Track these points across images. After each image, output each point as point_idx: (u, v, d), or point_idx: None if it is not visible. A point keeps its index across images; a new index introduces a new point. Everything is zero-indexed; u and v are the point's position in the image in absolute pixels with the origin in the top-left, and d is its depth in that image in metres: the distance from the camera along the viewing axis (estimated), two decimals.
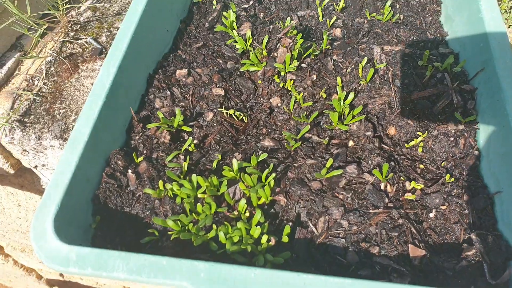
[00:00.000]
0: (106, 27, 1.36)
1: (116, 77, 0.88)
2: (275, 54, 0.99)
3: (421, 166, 0.84)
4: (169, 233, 0.73)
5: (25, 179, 1.38)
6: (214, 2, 1.19)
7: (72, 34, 1.33)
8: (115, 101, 0.88)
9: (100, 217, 0.79)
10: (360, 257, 0.71)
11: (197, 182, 0.77)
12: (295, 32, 1.00)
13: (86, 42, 1.30)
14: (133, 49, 0.94)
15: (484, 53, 0.89)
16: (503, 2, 1.32)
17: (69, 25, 1.34)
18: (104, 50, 1.28)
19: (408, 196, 0.77)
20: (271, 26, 1.04)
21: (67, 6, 1.32)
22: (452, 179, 0.80)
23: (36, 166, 1.21)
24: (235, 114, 0.93)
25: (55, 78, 1.20)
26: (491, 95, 0.84)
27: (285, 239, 0.73)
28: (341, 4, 1.13)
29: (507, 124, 0.77)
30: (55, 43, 1.30)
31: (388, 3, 1.09)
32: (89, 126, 0.80)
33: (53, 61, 1.24)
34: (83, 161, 0.77)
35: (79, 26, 1.36)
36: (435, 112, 0.89)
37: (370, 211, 0.75)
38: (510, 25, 1.27)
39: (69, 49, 1.29)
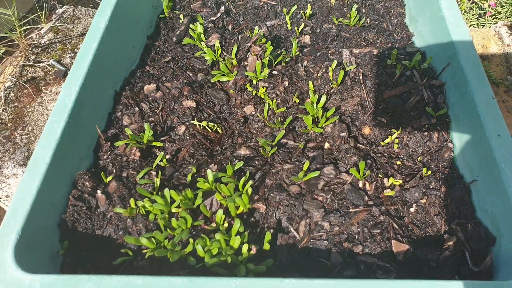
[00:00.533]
0: (70, 48, 1.37)
1: (79, 95, 0.88)
2: (246, 63, 1.02)
3: (398, 162, 0.87)
4: (143, 251, 0.72)
5: None
6: (181, 17, 1.23)
7: (33, 57, 1.32)
8: (79, 120, 0.87)
9: (69, 242, 0.77)
10: (344, 257, 0.72)
11: (170, 196, 0.77)
12: (264, 40, 1.04)
13: (48, 65, 1.30)
14: (96, 66, 0.95)
15: (448, 49, 0.95)
16: (462, 3, 1.41)
17: (30, 49, 1.34)
18: (68, 72, 1.28)
19: (388, 192, 0.80)
20: (240, 36, 1.08)
21: (26, 27, 1.32)
22: (429, 172, 0.83)
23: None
24: (209, 125, 0.94)
25: (16, 104, 1.19)
26: (458, 88, 0.89)
27: (266, 246, 0.73)
28: (308, 12, 1.18)
29: (476, 115, 0.82)
30: (15, 67, 1.29)
31: (354, 8, 1.15)
32: (51, 148, 0.79)
33: (12, 86, 1.23)
34: (46, 185, 0.76)
35: (40, 49, 1.36)
36: (407, 108, 0.93)
37: (351, 210, 0.77)
38: (470, 25, 1.36)
39: (30, 73, 1.28)
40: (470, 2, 1.49)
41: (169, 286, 0.62)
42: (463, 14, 1.47)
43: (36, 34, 1.41)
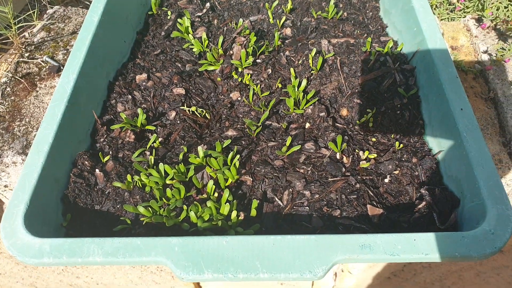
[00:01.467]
0: (62, 46, 1.45)
1: (76, 83, 0.96)
2: (231, 52, 1.11)
3: (373, 139, 0.97)
4: (141, 219, 0.80)
5: None
6: (169, 13, 1.32)
7: (26, 54, 1.40)
8: (77, 105, 0.96)
9: (71, 215, 0.84)
10: (324, 221, 0.81)
11: (165, 170, 0.85)
12: (248, 31, 1.14)
13: (42, 61, 1.38)
14: (91, 57, 1.04)
15: (417, 35, 1.06)
16: None
17: (23, 46, 1.41)
18: (61, 68, 1.36)
19: (363, 164, 0.89)
20: (225, 28, 1.17)
21: (20, 25, 1.40)
22: (401, 145, 0.93)
23: None
24: (198, 111, 1.03)
25: (12, 98, 1.26)
26: (427, 70, 1.00)
27: (253, 213, 0.82)
28: (289, 6, 1.28)
29: (442, 92, 0.92)
30: (9, 64, 1.36)
31: (332, 2, 1.26)
32: (53, 129, 0.87)
33: (8, 81, 1.30)
34: (49, 162, 0.84)
35: (33, 46, 1.44)
36: (381, 91, 1.04)
37: (329, 180, 0.86)
38: (441, 19, 1.48)
39: (24, 69, 1.36)
40: None
41: (166, 245, 0.70)
42: (435, 9, 1.59)
43: (28, 33, 1.49)
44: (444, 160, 0.89)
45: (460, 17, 1.48)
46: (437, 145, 0.92)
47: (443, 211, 0.82)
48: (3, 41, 1.39)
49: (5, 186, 1.23)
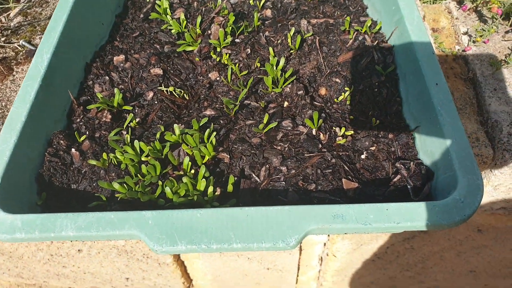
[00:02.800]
0: (40, 30, 1.42)
1: (51, 62, 0.95)
2: (209, 32, 1.10)
3: (351, 117, 0.97)
4: (116, 195, 0.80)
5: None
6: None
7: (3, 39, 1.37)
8: (52, 85, 0.95)
9: (47, 194, 0.84)
10: (299, 195, 0.82)
11: (140, 148, 0.85)
12: (226, 12, 1.13)
13: (19, 45, 1.36)
14: (66, 37, 1.02)
15: (396, 14, 1.06)
16: None
17: None
18: None
19: (340, 140, 0.90)
20: (203, 8, 1.16)
21: None
22: (378, 122, 0.94)
23: None
24: (176, 91, 1.03)
25: None
26: (404, 48, 1.01)
27: (230, 188, 0.82)
28: None
29: (418, 68, 0.93)
30: None
31: None
32: (26, 108, 0.86)
33: None
34: (22, 140, 0.83)
35: (10, 31, 1.41)
36: (359, 69, 1.04)
37: (306, 156, 0.87)
38: (423, 2, 1.49)
39: (0, 53, 1.33)
40: None
41: (140, 218, 0.70)
42: None
43: (4, 17, 1.46)
44: (420, 135, 0.90)
45: (441, 0, 1.49)
46: (414, 121, 0.93)
47: (417, 184, 0.83)
48: None
49: None
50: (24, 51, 1.35)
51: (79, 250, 1.56)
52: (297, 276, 1.92)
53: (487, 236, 1.49)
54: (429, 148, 0.85)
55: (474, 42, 1.27)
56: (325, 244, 1.66)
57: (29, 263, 1.72)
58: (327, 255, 1.73)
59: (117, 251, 1.54)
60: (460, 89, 1.22)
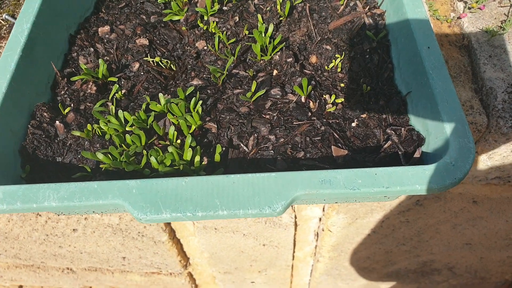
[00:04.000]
0: (23, 3, 1.37)
1: (31, 33, 0.92)
2: (196, 0, 1.07)
3: (342, 85, 0.95)
4: (100, 166, 0.78)
5: None
6: None
7: None
8: (33, 56, 0.91)
9: (30, 167, 0.82)
10: (288, 163, 0.80)
11: (124, 118, 0.83)
12: None
13: (2, 19, 1.32)
14: (47, 6, 0.98)
15: None
16: None
17: None
18: None
19: (330, 108, 0.88)
20: None
21: None
22: (369, 88, 0.91)
23: None
24: (163, 62, 1.00)
25: None
26: (396, 13, 0.97)
27: (217, 158, 0.80)
28: None
29: (409, 32, 0.90)
30: None
31: None
32: (6, 79, 0.84)
33: None
34: (3, 113, 0.81)
35: None
36: (350, 36, 1.01)
37: (295, 124, 0.85)
38: None
39: None
40: None
41: (123, 187, 0.69)
42: None
43: None
44: (411, 101, 0.88)
45: None
46: (405, 87, 0.91)
47: (409, 150, 0.81)
48: None
49: None
50: (7, 26, 1.31)
51: (74, 230, 1.56)
52: (294, 252, 1.93)
53: (483, 208, 1.49)
54: (420, 113, 0.83)
55: (469, 8, 1.23)
56: (320, 219, 1.65)
57: (25, 244, 1.72)
58: (323, 230, 1.73)
59: (112, 229, 1.54)
60: (454, 56, 1.19)
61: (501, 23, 1.19)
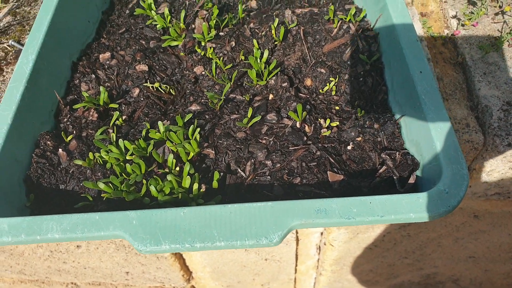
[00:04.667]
0: (29, 29, 1.41)
1: (36, 64, 0.95)
2: (193, 26, 1.09)
3: (337, 107, 0.97)
4: (102, 195, 0.80)
5: None
6: None
7: None
8: (38, 86, 0.94)
9: (35, 196, 0.84)
10: (284, 189, 0.81)
11: (125, 146, 0.85)
12: (210, 5, 1.12)
13: (8, 45, 1.35)
14: (51, 37, 1.01)
15: (380, 1, 1.04)
16: None
17: None
18: None
19: (325, 132, 0.89)
20: (187, 2, 1.15)
21: None
22: (363, 112, 0.93)
23: None
24: (162, 87, 1.02)
25: None
26: (388, 35, 0.99)
27: (215, 184, 0.82)
28: None
29: (402, 56, 0.92)
30: None
31: None
32: (12, 110, 0.86)
33: None
34: (8, 143, 0.83)
35: None
36: (344, 59, 1.03)
37: (291, 149, 0.86)
38: None
39: None
40: None
41: (124, 219, 0.71)
42: None
43: None
44: (405, 124, 0.89)
45: None
46: (399, 110, 0.92)
47: (403, 175, 0.83)
48: None
49: None
50: (13, 51, 1.34)
51: (78, 246, 1.58)
52: (296, 265, 1.93)
53: (484, 222, 1.49)
54: (414, 138, 0.85)
55: (463, 25, 1.25)
56: (322, 233, 1.66)
57: (30, 260, 1.75)
58: (325, 244, 1.73)
59: (115, 246, 1.56)
60: (449, 74, 1.20)
61: (495, 40, 1.21)
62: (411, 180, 0.80)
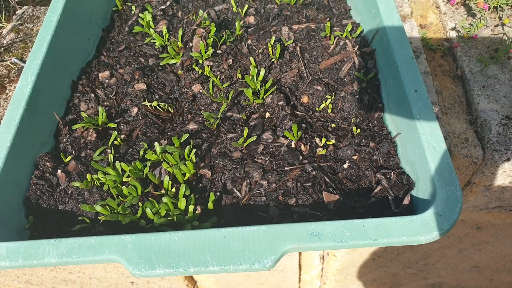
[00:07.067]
0: (31, 47, 1.43)
1: (35, 85, 0.96)
2: (191, 44, 1.10)
3: (333, 125, 0.96)
4: (99, 217, 0.81)
5: None
6: (133, 8, 1.30)
7: None
8: (38, 108, 0.96)
9: (34, 217, 0.85)
10: (280, 209, 0.81)
11: (121, 168, 0.85)
12: (208, 22, 1.12)
13: (11, 63, 1.37)
14: (51, 58, 1.03)
15: (376, 17, 1.04)
16: None
17: None
18: None
19: (321, 151, 0.89)
20: (185, 20, 1.16)
21: None
22: (359, 130, 0.92)
23: None
24: (160, 105, 1.03)
25: None
26: (384, 52, 0.99)
27: (210, 206, 0.82)
28: None
29: (397, 75, 0.91)
30: None
31: None
32: (11, 133, 0.87)
33: None
34: (8, 166, 0.84)
35: (2, 48, 1.43)
36: (341, 76, 1.03)
37: (286, 168, 0.86)
38: None
39: None
40: None
41: (119, 243, 0.71)
42: None
43: None
44: (401, 143, 0.89)
45: None
46: (395, 128, 0.92)
47: (399, 195, 0.82)
48: None
49: None
50: (16, 69, 1.36)
51: None
52: (300, 275, 1.93)
53: (487, 233, 1.47)
54: (410, 157, 0.84)
55: (462, 37, 1.24)
56: None
57: (36, 270, 1.77)
58: (327, 254, 1.73)
59: None
60: (448, 87, 1.19)
61: (494, 52, 1.20)
62: (406, 201, 0.79)
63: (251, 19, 1.22)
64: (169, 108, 1.03)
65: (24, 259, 0.71)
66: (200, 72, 1.07)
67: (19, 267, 0.72)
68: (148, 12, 1.20)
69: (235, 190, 0.86)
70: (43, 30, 1.07)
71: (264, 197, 0.83)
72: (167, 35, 1.14)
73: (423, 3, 1.37)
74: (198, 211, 0.81)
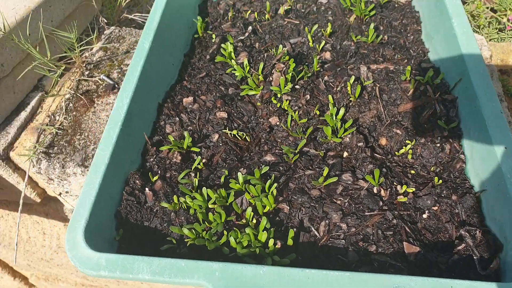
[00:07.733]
0: (117, 65, 1.52)
1: (129, 107, 1.01)
2: (271, 78, 1.12)
3: (412, 171, 0.94)
4: (185, 240, 0.83)
5: (50, 207, 1.49)
6: (213, 36, 1.35)
7: (86, 73, 1.49)
8: (130, 128, 1.00)
9: (123, 230, 0.89)
10: (359, 255, 0.80)
11: (207, 194, 0.88)
12: (287, 58, 1.14)
13: (99, 79, 1.46)
14: (143, 82, 1.08)
15: (460, 65, 1.01)
16: (480, 18, 1.46)
17: (84, 65, 1.50)
18: (116, 86, 1.43)
19: (401, 199, 0.87)
20: (266, 54, 1.18)
21: (81, 48, 1.49)
22: (440, 181, 0.89)
23: (60, 194, 1.33)
24: (239, 134, 1.05)
25: (74, 113, 1.34)
26: (469, 103, 0.95)
27: (290, 242, 0.82)
28: (329, 30, 1.27)
29: (484, 129, 0.88)
30: (72, 81, 1.45)
31: (372, 26, 1.23)
32: (109, 150, 0.92)
33: (71, 98, 1.39)
34: (105, 181, 0.89)
35: (92, 65, 1.52)
36: (421, 121, 1.00)
37: (366, 213, 0.85)
38: (490, 39, 1.40)
39: (84, 86, 1.44)
40: (490, 16, 1.53)
41: (207, 269, 0.73)
42: (483, 29, 1.51)
43: (88, 53, 1.58)
44: (487, 200, 0.84)
45: (511, 37, 1.39)
46: (480, 183, 0.88)
47: (484, 256, 0.78)
48: (68, 61, 1.49)
49: (66, 192, 1.32)
50: (104, 85, 1.45)
51: None
52: None
53: None
54: (497, 217, 0.80)
55: None
56: None
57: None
58: None
59: None
60: None
61: None
62: (494, 265, 0.75)
63: (327, 55, 1.22)
64: (246, 137, 1.05)
65: (121, 272, 0.74)
66: (278, 106, 1.08)
67: (115, 278, 0.75)
68: (230, 43, 1.24)
69: (312, 228, 0.85)
70: (136, 55, 1.13)
71: (343, 240, 0.82)
72: (248, 67, 1.16)
73: (503, 47, 1.32)
74: (278, 245, 0.81)
